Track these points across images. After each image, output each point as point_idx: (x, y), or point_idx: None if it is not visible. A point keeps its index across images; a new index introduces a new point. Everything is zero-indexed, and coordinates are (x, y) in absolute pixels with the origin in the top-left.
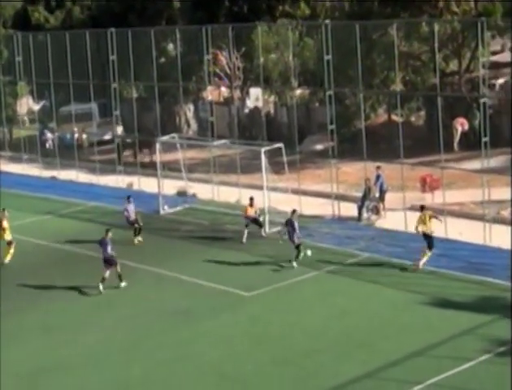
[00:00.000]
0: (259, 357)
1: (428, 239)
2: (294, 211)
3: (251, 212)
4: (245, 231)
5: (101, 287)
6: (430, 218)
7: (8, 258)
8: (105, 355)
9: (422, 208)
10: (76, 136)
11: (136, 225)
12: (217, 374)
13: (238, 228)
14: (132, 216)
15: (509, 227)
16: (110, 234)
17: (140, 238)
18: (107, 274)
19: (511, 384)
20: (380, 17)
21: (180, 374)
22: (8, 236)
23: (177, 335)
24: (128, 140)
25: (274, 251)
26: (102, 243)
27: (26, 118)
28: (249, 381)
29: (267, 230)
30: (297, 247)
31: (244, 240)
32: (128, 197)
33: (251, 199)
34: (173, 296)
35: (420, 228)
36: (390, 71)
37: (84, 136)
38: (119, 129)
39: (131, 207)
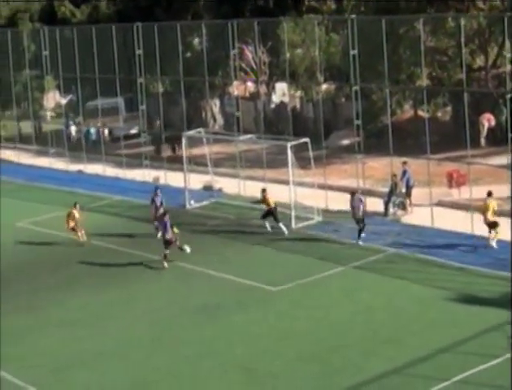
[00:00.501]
0: (286, 353)
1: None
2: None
3: (269, 202)
4: (266, 223)
5: (165, 264)
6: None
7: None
8: (129, 350)
9: (489, 194)
10: (95, 130)
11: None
12: (243, 369)
13: (263, 223)
14: (161, 210)
15: None
16: (167, 216)
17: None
18: (168, 252)
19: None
20: (407, 12)
21: (206, 370)
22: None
23: (203, 331)
24: (166, 135)
25: (300, 246)
26: (163, 225)
27: (48, 113)
28: (276, 377)
29: (294, 225)
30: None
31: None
32: (156, 189)
33: (264, 190)
34: (199, 291)
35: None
36: (416, 67)
37: (106, 130)
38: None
39: (158, 199)
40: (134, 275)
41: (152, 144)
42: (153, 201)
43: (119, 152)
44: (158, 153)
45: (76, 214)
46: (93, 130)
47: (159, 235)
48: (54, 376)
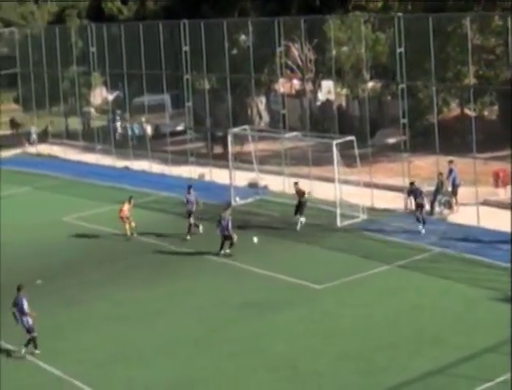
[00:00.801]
0: (330, 351)
1: None
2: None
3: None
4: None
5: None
6: None
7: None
8: (176, 346)
9: None
10: (139, 126)
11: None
12: (288, 367)
13: (309, 221)
14: (194, 207)
15: None
16: (228, 211)
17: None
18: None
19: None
20: (454, 10)
21: (251, 368)
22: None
23: (249, 328)
24: (219, 134)
25: (345, 244)
26: (223, 220)
27: (92, 109)
28: (320, 375)
29: (339, 223)
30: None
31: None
32: (189, 187)
33: (296, 183)
34: (245, 289)
35: None
36: (463, 65)
37: (149, 127)
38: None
39: (191, 198)
40: (180, 272)
41: (204, 141)
42: (187, 201)
43: (165, 148)
44: (209, 150)
45: (127, 207)
46: (136, 126)
47: (201, 228)
48: (98, 371)
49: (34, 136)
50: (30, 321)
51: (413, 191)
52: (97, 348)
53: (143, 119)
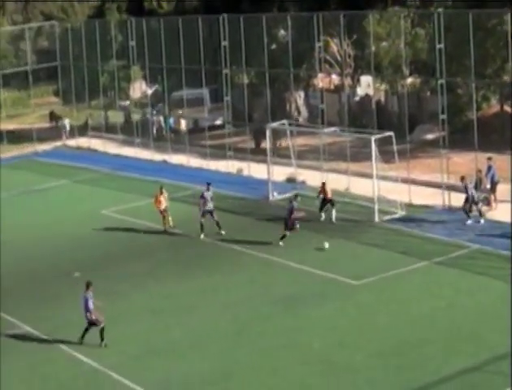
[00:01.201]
0: (365, 347)
1: None
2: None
3: (329, 194)
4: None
5: (281, 243)
6: None
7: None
8: (211, 340)
9: None
10: (174, 120)
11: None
12: (322, 362)
13: (347, 216)
14: (209, 205)
15: None
16: (299, 199)
17: (222, 231)
18: (288, 233)
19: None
20: (494, 6)
21: (286, 362)
22: (162, 206)
23: (284, 323)
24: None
25: (383, 240)
26: (290, 208)
27: (128, 103)
28: (355, 370)
29: (376, 218)
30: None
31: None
32: (208, 184)
33: (323, 183)
34: (281, 283)
35: None
36: (503, 61)
37: (183, 121)
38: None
39: (208, 195)
40: (217, 266)
41: (253, 137)
42: (202, 196)
43: (204, 143)
44: (257, 145)
45: (164, 198)
46: (172, 120)
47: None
48: (134, 363)
49: (68, 129)
50: (93, 316)
51: (465, 185)
52: (133, 341)
53: (180, 112)
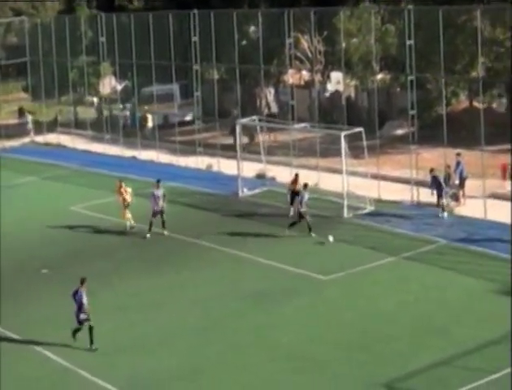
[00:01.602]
0: (334, 342)
1: None
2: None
3: (295, 187)
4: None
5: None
6: None
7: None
8: (179, 336)
9: None
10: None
11: (158, 218)
12: (291, 357)
13: (316, 212)
14: (160, 204)
15: None
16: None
17: (166, 232)
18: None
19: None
20: (464, 2)
21: (254, 358)
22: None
23: (253, 319)
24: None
25: (352, 235)
26: (300, 196)
27: (95, 99)
28: (323, 365)
29: (345, 214)
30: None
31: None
32: (158, 181)
33: (296, 175)
34: (250, 279)
35: None
36: (472, 57)
37: (150, 116)
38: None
39: (159, 193)
40: (185, 262)
41: (230, 133)
42: (152, 194)
43: (173, 139)
44: (235, 141)
45: (125, 193)
46: (138, 116)
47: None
48: (102, 360)
49: (30, 125)
50: (84, 316)
51: (435, 178)
52: (101, 338)
53: (146, 108)
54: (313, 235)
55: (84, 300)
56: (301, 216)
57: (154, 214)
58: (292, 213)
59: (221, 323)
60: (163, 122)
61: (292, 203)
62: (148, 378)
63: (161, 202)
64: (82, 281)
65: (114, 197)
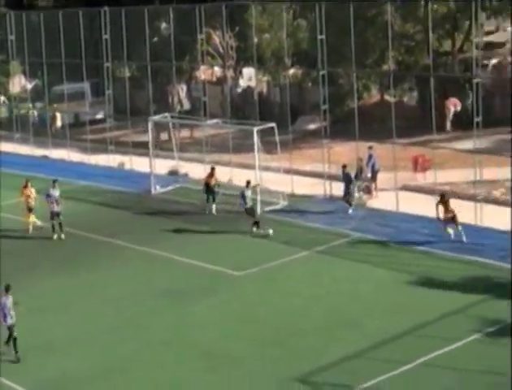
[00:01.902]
0: (248, 338)
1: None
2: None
3: (211, 181)
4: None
5: (254, 229)
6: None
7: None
8: (93, 336)
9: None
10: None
11: (55, 221)
12: (206, 355)
13: (230, 208)
14: (55, 208)
15: (501, 207)
16: (250, 185)
17: (63, 236)
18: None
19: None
20: None
21: (169, 356)
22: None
23: (167, 317)
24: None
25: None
26: (242, 195)
27: (2, 98)
28: (238, 362)
29: (259, 210)
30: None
31: (214, 211)
32: (54, 181)
33: (212, 169)
34: (164, 277)
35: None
36: (383, 51)
37: (59, 115)
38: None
39: (55, 193)
40: (97, 262)
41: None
42: (48, 194)
43: (85, 137)
44: (156, 139)
45: (30, 193)
46: (47, 114)
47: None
48: (19, 362)
49: None
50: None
51: (346, 175)
52: (18, 340)
53: (55, 106)
54: (255, 230)
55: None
56: (248, 213)
57: (52, 215)
58: (208, 211)
59: (135, 322)
60: (74, 120)
61: (208, 200)
62: (58, 379)
63: (56, 204)
64: (7, 289)
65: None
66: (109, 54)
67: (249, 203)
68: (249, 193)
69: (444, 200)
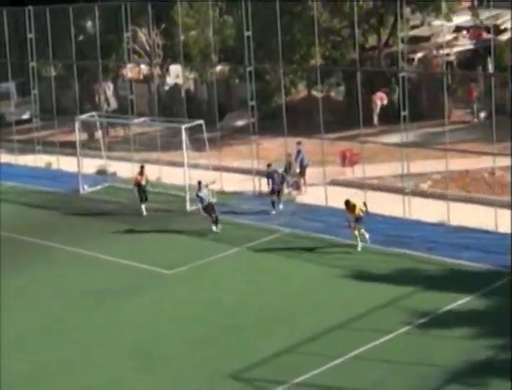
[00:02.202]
0: (179, 336)
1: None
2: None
3: (141, 180)
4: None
5: (214, 228)
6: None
7: None
8: (20, 339)
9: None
10: None
11: None
12: (136, 354)
13: (159, 206)
14: None
15: (428, 200)
16: (205, 184)
17: None
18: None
19: None
20: None
21: (100, 356)
22: None
23: (97, 316)
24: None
25: (195, 228)
26: (197, 196)
27: None
28: (169, 360)
29: (188, 207)
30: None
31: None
32: None
33: (141, 167)
34: (93, 277)
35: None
36: (310, 47)
37: None
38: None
39: None
40: (25, 263)
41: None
42: None
43: (11, 138)
44: (91, 137)
45: None
46: None
47: None
48: None
49: None
50: None
51: (271, 173)
52: None
53: None
54: (214, 229)
55: None
56: (206, 211)
57: None
58: (142, 211)
59: (64, 323)
60: (0, 121)
61: (141, 199)
62: None
63: None
64: None
65: None
66: (34, 54)
67: (207, 201)
68: (205, 192)
69: (350, 206)
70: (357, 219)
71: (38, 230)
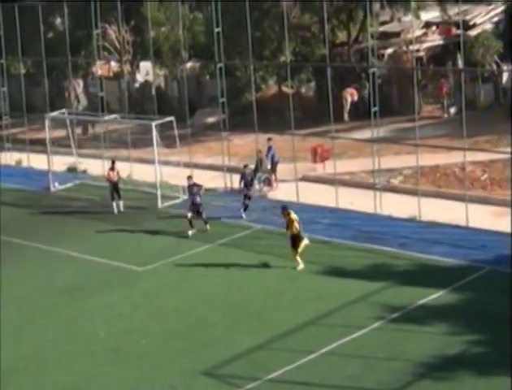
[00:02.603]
0: (152, 332)
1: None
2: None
3: (113, 176)
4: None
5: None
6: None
7: None
8: None
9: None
10: None
11: None
12: (109, 350)
13: (130, 203)
14: None
15: (399, 195)
16: (192, 181)
17: None
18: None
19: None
20: None
21: (72, 353)
22: None
23: (69, 313)
24: None
25: (167, 225)
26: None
27: None
28: (142, 356)
29: (160, 204)
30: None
31: (122, 208)
32: None
33: (113, 162)
34: (64, 274)
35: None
36: (280, 42)
37: None
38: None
39: None
40: None
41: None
42: None
43: None
44: (85, 133)
45: None
46: None
47: None
48: None
49: None
50: None
51: (245, 175)
52: None
53: None
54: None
55: None
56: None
57: None
58: (116, 209)
59: (35, 320)
60: None
61: (112, 197)
62: None
63: None
64: None
65: None
66: (3, 51)
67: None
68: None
69: (285, 212)
70: (294, 238)
71: (8, 228)
